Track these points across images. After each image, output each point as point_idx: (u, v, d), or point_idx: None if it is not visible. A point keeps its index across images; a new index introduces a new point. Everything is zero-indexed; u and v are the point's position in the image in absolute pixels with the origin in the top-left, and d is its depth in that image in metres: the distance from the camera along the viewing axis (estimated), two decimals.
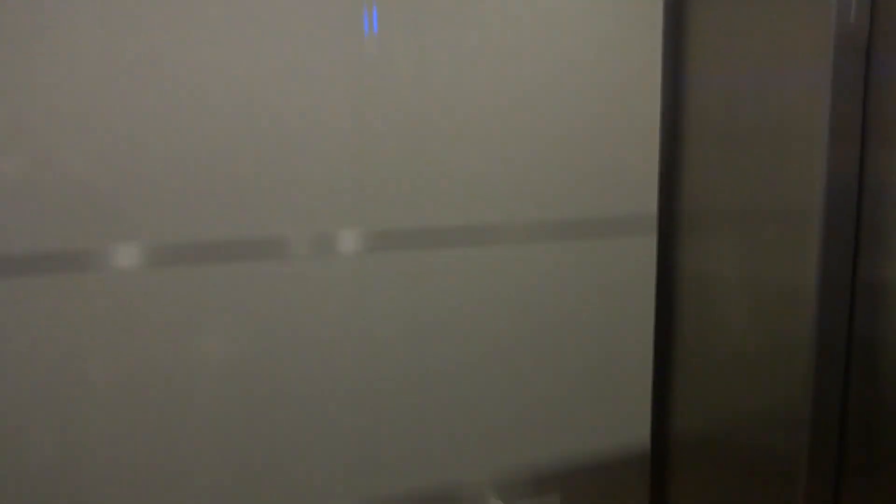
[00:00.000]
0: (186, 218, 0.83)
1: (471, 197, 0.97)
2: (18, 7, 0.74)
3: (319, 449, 0.89)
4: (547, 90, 1.01)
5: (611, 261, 1.06)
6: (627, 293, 1.08)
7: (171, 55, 0.81)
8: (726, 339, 1.01)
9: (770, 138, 0.95)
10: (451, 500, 0.98)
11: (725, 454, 1.00)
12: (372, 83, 0.91)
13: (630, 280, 1.08)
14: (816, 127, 0.87)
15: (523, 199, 1.01)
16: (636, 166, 1.08)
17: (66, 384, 0.78)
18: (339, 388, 0.90)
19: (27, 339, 0.77)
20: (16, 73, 0.75)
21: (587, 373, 1.05)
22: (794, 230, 0.91)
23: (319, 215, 0.89)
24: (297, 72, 0.87)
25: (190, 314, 0.83)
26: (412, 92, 0.93)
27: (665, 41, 1.07)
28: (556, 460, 1.04)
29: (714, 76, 1.04)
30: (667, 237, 1.09)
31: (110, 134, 0.80)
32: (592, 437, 1.06)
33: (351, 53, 0.89)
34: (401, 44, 0.91)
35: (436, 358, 0.95)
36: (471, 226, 0.97)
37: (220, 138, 0.84)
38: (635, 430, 1.09)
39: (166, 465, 0.83)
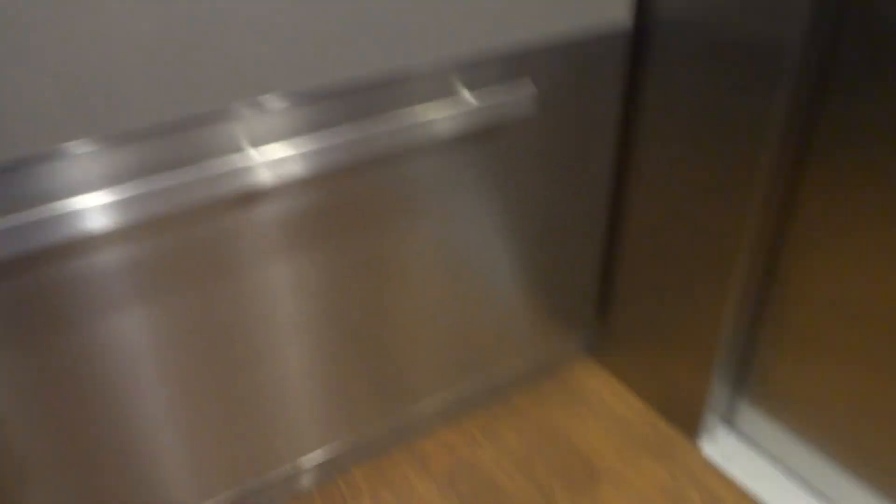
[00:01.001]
0: None
1: None
2: None
3: (257, 30, 0.71)
4: None
5: None
6: None
7: None
8: None
9: None
10: (410, 91, 0.85)
11: (711, 41, 0.92)
12: None
13: None
14: None
15: None
16: None
17: None
18: None
19: None
20: None
21: None
22: None
23: None
24: None
25: None
26: None
27: None
28: (529, 43, 0.91)
29: None
30: None
31: None
32: (569, 17, 0.93)
33: None
34: None
35: None
36: None
37: None
38: (616, 9, 0.99)
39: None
